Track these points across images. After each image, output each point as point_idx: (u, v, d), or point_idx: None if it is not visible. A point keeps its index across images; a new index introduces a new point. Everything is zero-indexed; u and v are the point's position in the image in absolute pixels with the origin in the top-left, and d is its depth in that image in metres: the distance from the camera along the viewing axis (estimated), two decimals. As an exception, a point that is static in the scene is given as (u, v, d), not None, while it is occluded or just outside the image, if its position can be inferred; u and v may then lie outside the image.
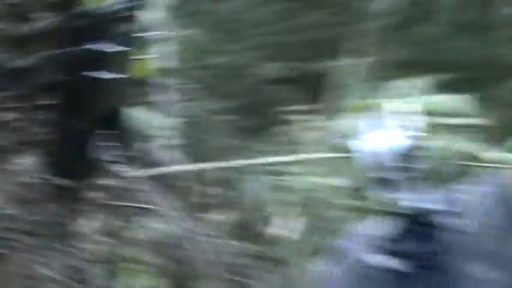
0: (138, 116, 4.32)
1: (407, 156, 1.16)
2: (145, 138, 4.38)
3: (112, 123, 3.63)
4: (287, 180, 4.37)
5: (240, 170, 4.02)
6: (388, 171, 1.14)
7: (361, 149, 1.23)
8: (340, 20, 7.26)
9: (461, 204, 1.16)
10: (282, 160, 4.39)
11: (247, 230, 3.72)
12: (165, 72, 5.21)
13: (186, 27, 6.38)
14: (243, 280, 3.54)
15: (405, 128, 1.20)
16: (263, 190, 3.95)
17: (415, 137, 1.18)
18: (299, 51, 7.39)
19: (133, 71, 3.95)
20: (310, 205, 4.16)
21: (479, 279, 1.12)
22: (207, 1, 7.23)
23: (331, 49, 6.69)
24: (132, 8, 3.80)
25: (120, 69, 3.74)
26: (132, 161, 3.61)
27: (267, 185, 4.16)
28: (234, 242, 3.68)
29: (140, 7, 4.00)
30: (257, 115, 6.35)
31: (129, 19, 3.75)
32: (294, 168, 4.46)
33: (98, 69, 3.46)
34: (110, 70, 3.53)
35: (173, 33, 5.66)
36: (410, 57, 5.90)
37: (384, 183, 1.14)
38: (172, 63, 5.44)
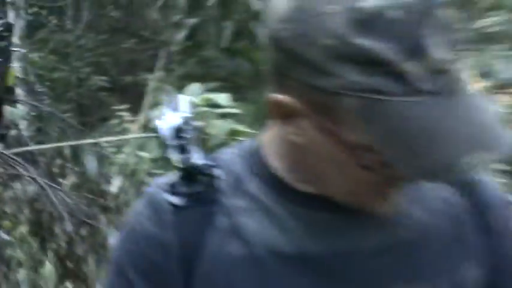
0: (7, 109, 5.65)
1: (188, 131, 1.13)
2: (14, 125, 5.77)
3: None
4: (116, 154, 5.86)
5: (83, 148, 4.26)
6: (176, 141, 1.14)
7: (161, 128, 1.18)
8: (149, 46, 9.28)
9: (220, 160, 1.16)
10: (113, 139, 5.45)
11: (92, 189, 3.78)
12: (22, 80, 6.53)
13: (34, 49, 7.89)
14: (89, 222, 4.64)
15: (189, 113, 1.19)
16: (101, 162, 4.30)
17: (193, 119, 1.18)
18: (119, 68, 9.25)
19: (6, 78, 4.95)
20: (132, 170, 4.79)
21: (238, 208, 1.16)
22: (48, 32, 8.79)
23: (143, 66, 8.65)
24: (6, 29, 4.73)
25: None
26: (5, 140, 3.78)
27: (104, 158, 4.80)
28: (83, 199, 3.88)
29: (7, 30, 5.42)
30: (90, 114, 8.17)
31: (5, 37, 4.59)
32: (122, 148, 5.67)
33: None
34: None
35: (26, 53, 6.93)
36: (196, 71, 7.78)
37: (176, 148, 1.13)
38: (27, 75, 6.73)
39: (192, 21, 7.21)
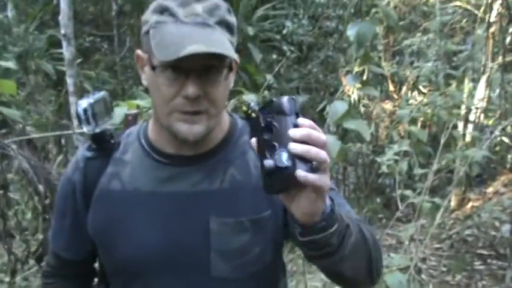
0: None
1: (95, 111, 1.16)
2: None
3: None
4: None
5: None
6: (85, 117, 1.16)
7: (77, 109, 1.14)
8: None
9: (126, 132, 1.26)
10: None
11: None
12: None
13: (91, 68, 8.23)
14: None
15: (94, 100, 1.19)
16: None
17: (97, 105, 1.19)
18: None
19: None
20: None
21: None
22: (101, 54, 9.12)
23: None
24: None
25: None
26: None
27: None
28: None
29: None
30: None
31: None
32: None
33: None
34: None
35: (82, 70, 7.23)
36: None
37: (86, 122, 1.15)
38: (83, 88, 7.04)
39: None
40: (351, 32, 2.88)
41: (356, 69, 5.10)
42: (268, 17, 7.87)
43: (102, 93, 1.26)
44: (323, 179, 0.83)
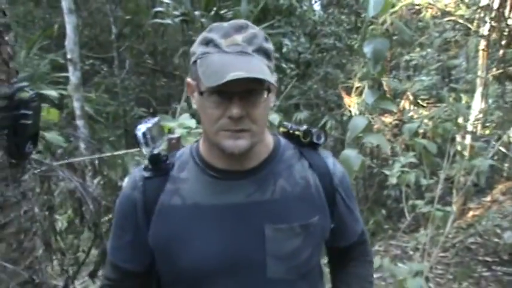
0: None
1: (152, 135, 1.27)
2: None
3: None
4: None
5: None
6: (144, 140, 1.26)
7: (137, 133, 1.25)
8: (178, 82, 9.47)
9: (178, 152, 1.35)
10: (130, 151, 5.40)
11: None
12: (82, 115, 6.86)
13: (92, 91, 8.26)
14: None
15: (152, 125, 1.28)
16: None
17: (155, 129, 1.30)
18: (157, 101, 9.38)
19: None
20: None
21: None
22: (102, 77, 9.14)
23: (175, 98, 8.81)
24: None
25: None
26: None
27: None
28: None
29: None
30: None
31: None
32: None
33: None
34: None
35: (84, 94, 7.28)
36: None
37: (144, 145, 1.24)
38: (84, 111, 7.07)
39: None
40: (367, 48, 2.98)
41: (356, 84, 5.25)
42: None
43: (156, 119, 1.36)
44: None
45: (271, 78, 1.12)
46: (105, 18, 9.96)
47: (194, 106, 1.23)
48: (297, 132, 1.34)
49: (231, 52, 1.14)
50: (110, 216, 2.77)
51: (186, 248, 1.23)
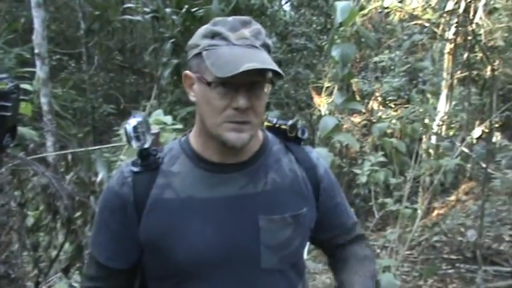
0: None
1: (142, 129, 1.27)
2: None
3: None
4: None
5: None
6: (134, 134, 1.26)
7: (126, 127, 1.26)
8: (147, 80, 9.42)
9: (166, 147, 1.36)
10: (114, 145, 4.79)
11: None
12: (49, 111, 6.76)
13: (59, 86, 8.14)
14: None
15: (142, 119, 1.28)
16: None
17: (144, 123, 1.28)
18: (125, 98, 9.41)
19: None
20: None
21: None
22: (69, 72, 9.03)
23: (144, 95, 8.74)
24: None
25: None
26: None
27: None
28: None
29: None
30: (103, 134, 8.48)
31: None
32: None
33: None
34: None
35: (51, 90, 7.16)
36: (182, 98, 7.80)
37: (134, 139, 1.22)
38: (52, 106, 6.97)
39: (175, 61, 7.60)
40: (335, 52, 3.05)
41: (326, 84, 5.33)
42: (237, 35, 8.04)
43: (143, 114, 1.38)
44: None
45: (280, 70, 1.14)
46: (73, 13, 9.80)
47: (193, 99, 1.23)
48: (283, 127, 1.37)
49: (241, 45, 1.16)
50: (83, 212, 2.74)
51: (182, 241, 1.23)
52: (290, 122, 1.38)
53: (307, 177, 1.34)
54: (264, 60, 1.13)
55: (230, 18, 1.22)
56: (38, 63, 6.17)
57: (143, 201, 1.26)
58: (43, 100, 6.26)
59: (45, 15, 6.63)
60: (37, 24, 6.05)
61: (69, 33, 10.10)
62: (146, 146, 1.29)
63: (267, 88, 1.22)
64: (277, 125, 1.39)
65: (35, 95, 6.84)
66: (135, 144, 1.28)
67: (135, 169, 1.28)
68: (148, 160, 1.29)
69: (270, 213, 1.25)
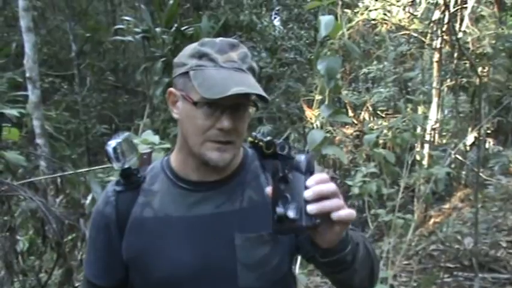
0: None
1: (122, 149, 1.25)
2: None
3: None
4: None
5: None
6: (114, 155, 1.26)
7: (107, 149, 1.24)
8: (140, 99, 9.45)
9: (150, 166, 1.37)
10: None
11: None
12: (42, 134, 6.76)
13: (52, 109, 8.16)
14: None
15: (121, 140, 1.26)
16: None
17: (125, 143, 1.25)
18: (119, 117, 9.39)
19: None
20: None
21: None
22: (62, 94, 9.07)
23: (138, 114, 8.72)
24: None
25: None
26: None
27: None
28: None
29: None
30: (97, 154, 8.47)
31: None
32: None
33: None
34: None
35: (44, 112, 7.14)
36: None
37: (115, 159, 1.23)
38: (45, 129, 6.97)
39: (167, 79, 7.55)
40: (320, 66, 3.05)
41: (317, 97, 5.34)
42: (226, 51, 8.08)
43: (126, 134, 1.36)
44: (350, 216, 0.99)
45: (265, 94, 1.16)
46: (65, 35, 9.84)
47: (176, 116, 1.25)
48: (260, 143, 1.33)
49: (228, 68, 1.18)
50: (74, 235, 2.73)
51: (158, 259, 1.24)
52: (267, 138, 1.33)
53: None
54: (251, 84, 1.15)
55: (218, 40, 1.24)
56: (29, 87, 6.14)
57: (125, 220, 1.28)
58: (35, 123, 6.27)
59: (36, 39, 6.65)
60: (28, 48, 6.08)
61: (62, 56, 10.13)
62: (126, 166, 1.30)
63: (251, 109, 1.24)
64: (255, 141, 1.35)
65: (28, 118, 6.91)
66: (115, 164, 1.29)
67: (118, 188, 1.31)
68: (130, 179, 1.30)
69: (245, 231, 1.24)
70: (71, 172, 2.97)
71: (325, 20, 3.03)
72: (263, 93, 1.15)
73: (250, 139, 1.39)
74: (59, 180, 2.85)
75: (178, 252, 1.24)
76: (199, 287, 1.24)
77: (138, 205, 1.28)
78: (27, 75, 6.13)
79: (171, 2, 8.28)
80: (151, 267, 1.25)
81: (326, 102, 3.09)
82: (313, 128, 5.28)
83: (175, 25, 7.91)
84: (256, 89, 1.15)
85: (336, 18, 3.13)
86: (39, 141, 6.18)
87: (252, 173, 1.32)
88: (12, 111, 2.94)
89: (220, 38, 1.25)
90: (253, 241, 1.24)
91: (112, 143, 1.29)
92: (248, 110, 1.22)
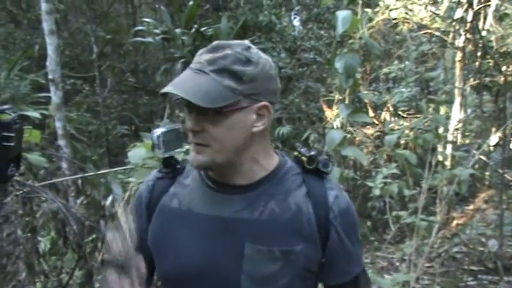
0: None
1: (166, 138, 1.32)
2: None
3: None
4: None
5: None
6: (158, 142, 1.33)
7: (152, 136, 1.36)
8: (160, 100, 9.51)
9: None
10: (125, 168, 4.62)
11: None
12: (64, 135, 6.84)
13: (73, 110, 8.26)
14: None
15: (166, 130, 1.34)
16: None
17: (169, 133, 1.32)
18: (140, 118, 9.48)
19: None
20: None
21: None
22: (83, 96, 9.18)
23: (158, 115, 8.83)
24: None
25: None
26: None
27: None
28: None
29: None
30: (117, 154, 8.55)
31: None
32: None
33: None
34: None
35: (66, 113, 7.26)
36: None
37: (158, 147, 1.31)
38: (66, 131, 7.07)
39: None
40: (338, 64, 3.01)
41: (337, 97, 5.31)
42: (246, 52, 8.11)
43: (177, 125, 1.43)
44: None
45: (201, 101, 1.09)
46: (86, 37, 9.95)
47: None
48: (303, 158, 1.30)
49: (192, 68, 1.16)
50: (94, 236, 2.74)
51: (171, 251, 1.27)
52: (310, 153, 1.29)
53: (314, 214, 1.24)
54: (189, 87, 1.11)
55: (215, 42, 1.22)
56: (52, 88, 6.25)
57: (155, 205, 1.34)
58: (58, 124, 6.36)
59: (58, 41, 6.75)
60: (50, 50, 6.16)
61: (83, 58, 10.26)
62: (166, 155, 1.36)
63: (234, 114, 1.16)
64: (299, 155, 1.32)
65: (51, 120, 7.00)
66: (156, 151, 1.37)
67: (158, 175, 1.37)
68: (169, 168, 1.37)
69: (257, 243, 1.20)
70: (91, 173, 3.00)
71: (342, 15, 2.97)
72: (188, 96, 1.09)
73: (295, 153, 1.36)
74: (79, 181, 2.87)
75: (188, 248, 1.25)
76: (202, 286, 1.23)
77: (169, 194, 1.32)
78: (50, 77, 6.22)
79: (190, 3, 8.32)
80: (163, 257, 1.28)
81: (341, 102, 3.05)
82: (332, 128, 5.25)
83: (195, 26, 7.94)
84: (189, 91, 1.10)
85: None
86: (61, 142, 6.23)
87: (284, 186, 1.27)
88: (34, 113, 2.97)
89: (218, 41, 1.22)
90: (262, 254, 1.19)
91: (158, 131, 1.37)
92: (223, 114, 1.15)
